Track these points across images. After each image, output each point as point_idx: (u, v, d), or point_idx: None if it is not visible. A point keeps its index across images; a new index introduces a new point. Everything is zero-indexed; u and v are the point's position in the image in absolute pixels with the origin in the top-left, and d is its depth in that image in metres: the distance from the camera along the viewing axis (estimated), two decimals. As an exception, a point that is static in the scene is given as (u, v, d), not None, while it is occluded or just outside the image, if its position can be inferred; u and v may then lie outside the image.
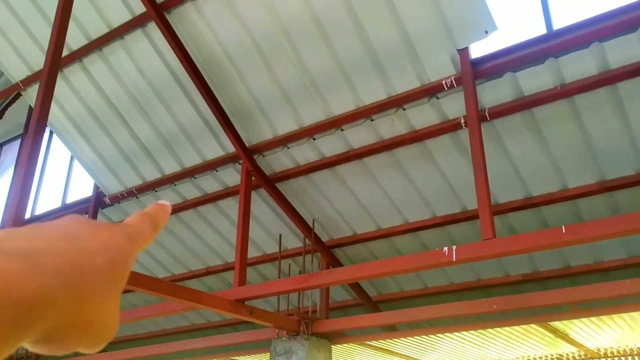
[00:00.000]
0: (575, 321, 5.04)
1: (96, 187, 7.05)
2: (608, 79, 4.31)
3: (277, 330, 5.63)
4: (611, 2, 4.23)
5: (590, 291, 4.27)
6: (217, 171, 6.18)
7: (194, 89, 5.42)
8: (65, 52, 4.81)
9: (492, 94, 4.73)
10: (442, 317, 4.93)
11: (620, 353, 6.30)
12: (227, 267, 7.21)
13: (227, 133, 5.52)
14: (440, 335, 5.49)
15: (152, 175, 6.54)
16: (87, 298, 0.35)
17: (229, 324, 8.24)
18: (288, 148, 5.73)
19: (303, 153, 5.75)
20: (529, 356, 6.70)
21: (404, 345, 6.04)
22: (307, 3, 4.65)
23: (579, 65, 4.34)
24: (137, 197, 6.78)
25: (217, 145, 5.95)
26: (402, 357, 6.70)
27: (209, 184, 6.36)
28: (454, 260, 3.94)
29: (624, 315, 4.83)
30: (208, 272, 7.45)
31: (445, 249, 4.00)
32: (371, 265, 4.55)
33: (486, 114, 4.77)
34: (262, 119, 5.57)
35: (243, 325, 8.21)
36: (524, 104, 4.65)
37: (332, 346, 5.79)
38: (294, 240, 6.74)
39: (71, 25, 4.31)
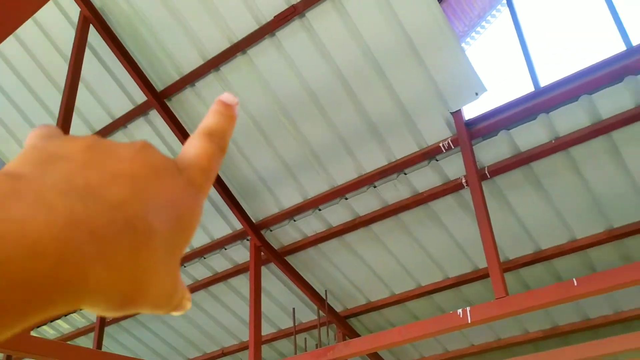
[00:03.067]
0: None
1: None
2: (601, 129, 4.40)
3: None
4: (594, 55, 4.38)
5: (614, 343, 4.16)
6: (226, 249, 6.20)
7: (199, 170, 5.54)
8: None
9: (490, 152, 4.82)
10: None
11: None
12: (243, 347, 7.08)
13: (234, 211, 5.59)
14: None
15: (161, 258, 6.55)
16: (136, 272, 0.27)
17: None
18: (295, 221, 5.78)
19: (310, 224, 5.79)
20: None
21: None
22: (302, 80, 4.84)
23: (571, 118, 4.45)
24: (148, 282, 6.77)
25: (225, 224, 6.01)
26: None
27: (219, 262, 6.37)
28: (469, 322, 3.88)
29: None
30: (223, 353, 7.30)
31: (460, 310, 3.95)
32: (388, 334, 4.47)
33: (486, 172, 4.83)
34: (267, 194, 5.66)
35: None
36: (522, 159, 4.73)
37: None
38: (308, 313, 6.66)
39: (75, 118, 4.49)
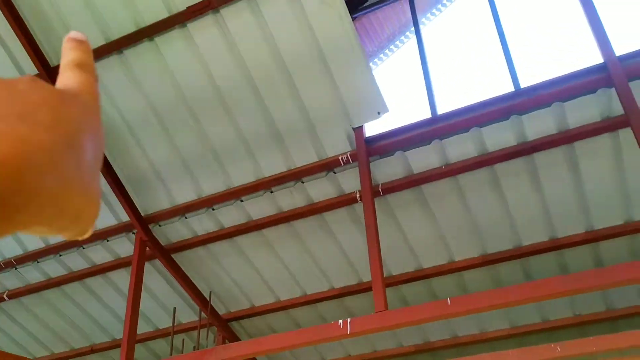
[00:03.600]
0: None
1: (-31, 257, 6.43)
2: (486, 160, 4.73)
3: (166, 412, 5.28)
4: (487, 91, 4.70)
5: (476, 361, 4.45)
6: (108, 241, 5.89)
7: (88, 155, 5.23)
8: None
9: (385, 170, 5.00)
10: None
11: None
12: (115, 344, 6.75)
13: (121, 201, 5.33)
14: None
15: (35, 244, 6.10)
16: (83, 184, 0.33)
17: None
18: (186, 218, 5.62)
19: (201, 223, 5.66)
20: None
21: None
22: (209, 76, 4.74)
23: (461, 147, 4.74)
24: (16, 269, 6.26)
25: (110, 214, 5.71)
26: None
27: (99, 254, 6.04)
28: (349, 333, 3.98)
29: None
30: (92, 350, 6.91)
31: (340, 321, 4.05)
32: (268, 340, 4.47)
33: (379, 189, 5.00)
34: (160, 187, 5.46)
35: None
36: (414, 181, 4.95)
37: None
38: (189, 314, 6.49)
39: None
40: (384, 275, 5.24)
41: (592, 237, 5.10)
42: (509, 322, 6.04)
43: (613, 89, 4.13)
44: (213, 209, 5.54)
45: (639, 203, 4.86)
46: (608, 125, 4.39)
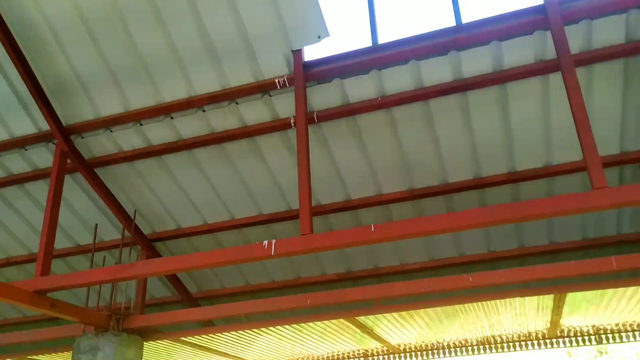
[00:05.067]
0: (381, 317, 5.43)
1: None
2: (421, 94, 4.74)
3: (83, 326, 5.22)
4: (429, 24, 4.64)
5: (393, 288, 4.62)
6: (26, 150, 5.57)
7: (5, 55, 4.83)
8: None
9: (321, 97, 4.93)
10: (258, 312, 4.97)
11: (417, 348, 6.95)
12: (32, 258, 6.54)
13: (41, 108, 5.00)
14: (256, 330, 5.54)
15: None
16: None
17: (31, 320, 7.48)
18: (111, 131, 5.37)
19: (128, 138, 5.43)
20: (340, 352, 7.08)
21: (221, 341, 5.99)
22: (143, -19, 4.42)
23: (398, 79, 4.71)
24: None
25: (29, 121, 5.36)
26: (220, 354, 6.64)
27: (17, 164, 5.71)
28: (273, 254, 4.00)
29: (422, 312, 5.32)
30: (8, 262, 6.68)
31: (265, 242, 4.06)
32: (190, 257, 4.43)
33: (314, 116, 4.95)
34: (84, 97, 5.15)
35: (48, 322, 7.52)
36: (349, 110, 4.92)
37: (145, 343, 5.53)
38: (112, 232, 6.35)
39: None
40: (313, 204, 5.29)
41: (514, 178, 5.32)
42: (428, 255, 6.30)
43: (549, 32, 4.18)
44: (141, 124, 5.32)
45: (560, 148, 5.07)
46: (540, 68, 4.48)
